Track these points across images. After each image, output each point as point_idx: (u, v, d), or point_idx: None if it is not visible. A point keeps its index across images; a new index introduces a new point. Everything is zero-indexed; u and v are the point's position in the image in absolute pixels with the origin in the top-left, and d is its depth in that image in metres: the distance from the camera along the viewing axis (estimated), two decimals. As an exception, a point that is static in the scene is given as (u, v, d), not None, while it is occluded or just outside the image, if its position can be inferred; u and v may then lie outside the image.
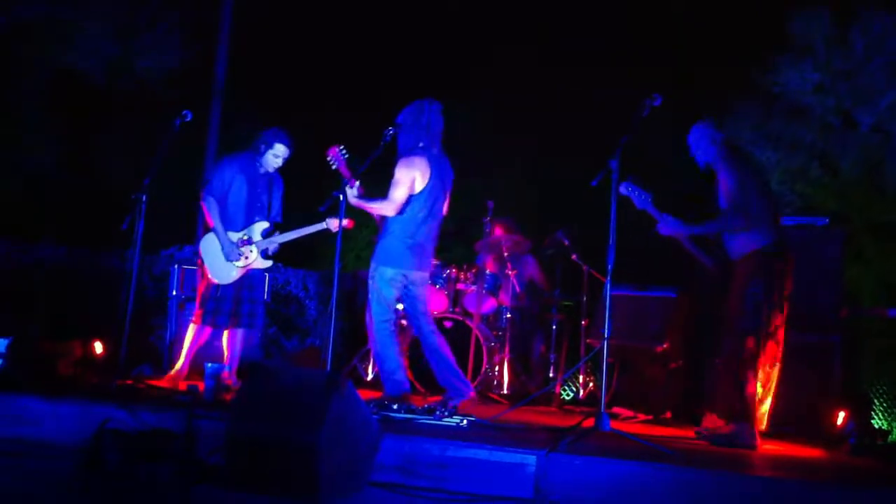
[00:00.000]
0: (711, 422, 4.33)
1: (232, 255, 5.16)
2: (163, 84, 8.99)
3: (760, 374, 4.21)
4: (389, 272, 4.58)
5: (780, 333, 4.27)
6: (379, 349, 4.58)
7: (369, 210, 4.66)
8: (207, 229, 5.26)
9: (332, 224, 5.15)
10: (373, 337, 4.61)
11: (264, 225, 5.31)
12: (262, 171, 5.30)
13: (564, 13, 8.85)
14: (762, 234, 4.29)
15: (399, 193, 4.53)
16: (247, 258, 5.21)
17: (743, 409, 4.15)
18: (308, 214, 5.15)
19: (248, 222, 5.27)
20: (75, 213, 8.33)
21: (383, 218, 4.69)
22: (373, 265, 4.63)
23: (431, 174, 4.59)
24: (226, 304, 5.18)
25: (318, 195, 4.69)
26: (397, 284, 4.62)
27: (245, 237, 5.23)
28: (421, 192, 4.58)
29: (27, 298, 6.82)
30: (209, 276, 5.19)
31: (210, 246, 5.20)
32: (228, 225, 5.20)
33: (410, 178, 4.54)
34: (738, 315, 4.27)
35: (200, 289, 5.25)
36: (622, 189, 4.61)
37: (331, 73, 9.58)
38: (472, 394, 4.59)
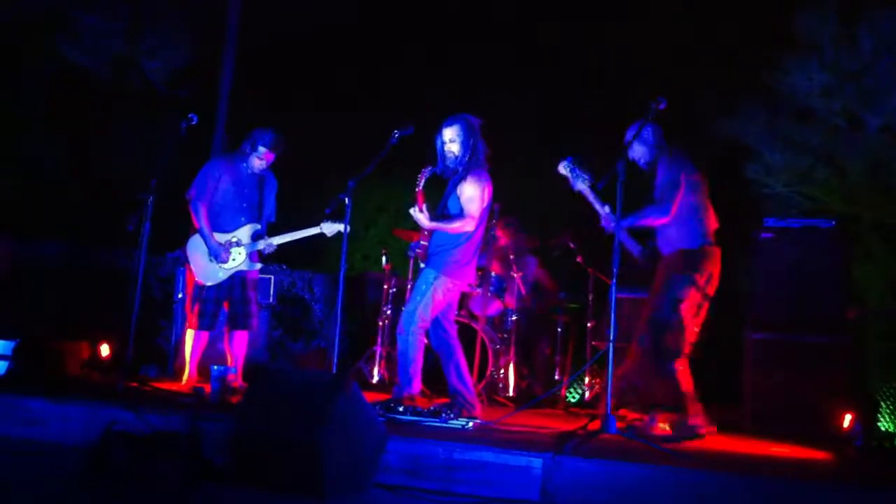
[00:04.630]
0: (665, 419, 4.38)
1: (219, 256, 5.10)
2: (169, 84, 9.00)
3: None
4: (453, 285, 4.59)
5: (695, 329, 4.40)
6: (412, 353, 4.52)
7: (448, 230, 4.54)
8: (194, 231, 5.21)
9: (328, 229, 5.10)
10: (406, 338, 4.53)
11: (255, 227, 5.27)
12: (249, 171, 5.22)
13: (567, 10, 8.84)
14: (691, 235, 4.40)
15: (476, 208, 4.52)
16: (234, 260, 5.18)
17: (680, 400, 4.21)
18: (312, 216, 5.14)
19: (236, 224, 5.21)
20: (80, 211, 8.33)
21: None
22: (434, 273, 4.54)
23: (491, 190, 4.64)
24: (208, 306, 5.16)
25: (322, 195, 4.68)
26: (453, 296, 4.65)
27: (233, 239, 5.19)
28: (486, 207, 4.62)
29: (33, 298, 6.84)
30: (195, 276, 5.19)
31: (196, 246, 5.18)
32: (215, 227, 5.14)
33: (482, 192, 4.54)
34: (658, 309, 4.34)
35: (189, 290, 5.26)
36: (561, 167, 4.57)
37: (339, 73, 9.59)
38: (478, 412, 4.55)
